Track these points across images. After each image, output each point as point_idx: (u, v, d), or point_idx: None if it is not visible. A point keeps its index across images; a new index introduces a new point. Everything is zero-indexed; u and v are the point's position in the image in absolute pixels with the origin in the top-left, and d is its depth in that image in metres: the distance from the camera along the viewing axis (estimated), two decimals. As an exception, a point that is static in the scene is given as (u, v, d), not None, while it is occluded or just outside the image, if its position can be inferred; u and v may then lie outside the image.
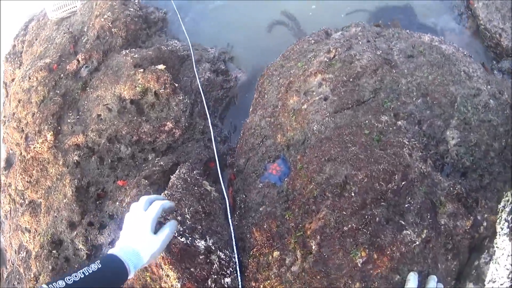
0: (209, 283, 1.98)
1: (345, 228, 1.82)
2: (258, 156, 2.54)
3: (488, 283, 1.72)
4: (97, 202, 2.87)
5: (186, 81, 3.29)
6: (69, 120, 3.28)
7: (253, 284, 2.01)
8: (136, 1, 4.05)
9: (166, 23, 4.26)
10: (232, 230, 2.17)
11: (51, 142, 3.21)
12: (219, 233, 2.19)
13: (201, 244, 2.02)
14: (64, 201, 2.93)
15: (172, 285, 1.91)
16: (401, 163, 2.00)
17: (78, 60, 3.53)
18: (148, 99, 3.08)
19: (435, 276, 1.74)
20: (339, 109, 2.28)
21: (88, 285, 1.30)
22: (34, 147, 3.28)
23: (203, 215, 2.18)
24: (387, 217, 1.85)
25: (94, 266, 1.36)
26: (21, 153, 3.42)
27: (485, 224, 1.94)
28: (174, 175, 2.40)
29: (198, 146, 2.95)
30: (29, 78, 3.72)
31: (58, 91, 3.50)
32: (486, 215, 1.93)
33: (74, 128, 3.20)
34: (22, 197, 3.59)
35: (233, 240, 2.14)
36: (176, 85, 3.06)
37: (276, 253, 1.96)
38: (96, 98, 3.28)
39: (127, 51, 3.39)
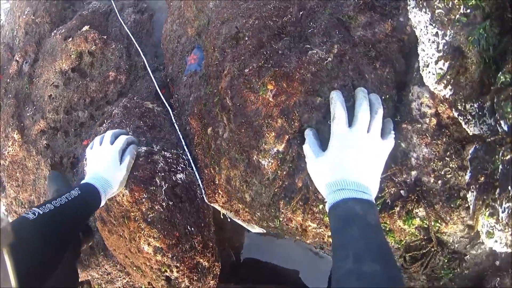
0: (158, 181, 2.02)
1: (247, 70, 1.77)
2: (178, 55, 2.61)
3: (423, 70, 1.50)
4: (74, 170, 2.90)
5: (115, 31, 3.30)
6: (28, 114, 3.32)
7: (206, 171, 2.06)
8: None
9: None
10: (177, 130, 2.22)
11: (20, 140, 3.26)
12: (167, 139, 2.23)
13: (141, 150, 2.06)
14: (45, 182, 2.97)
15: (123, 194, 1.93)
16: None
17: (16, 60, 3.55)
18: (86, 61, 3.09)
19: (363, 88, 1.54)
20: None
21: (71, 209, 1.43)
22: (8, 152, 3.31)
23: (145, 128, 2.25)
24: (290, 48, 1.79)
25: (75, 193, 1.49)
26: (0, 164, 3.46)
27: (409, 23, 1.72)
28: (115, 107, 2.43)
29: (145, 81, 2.96)
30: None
31: (10, 95, 3.54)
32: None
33: (34, 118, 3.25)
34: (23, 206, 3.64)
35: (179, 133, 2.18)
36: (105, 37, 3.05)
37: (209, 130, 2.00)
38: (43, 83, 3.31)
39: (55, 31, 3.38)
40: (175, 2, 2.84)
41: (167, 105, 2.39)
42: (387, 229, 1.60)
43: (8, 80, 3.64)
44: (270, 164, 1.69)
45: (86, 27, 3.14)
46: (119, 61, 3.02)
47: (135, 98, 2.52)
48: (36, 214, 1.24)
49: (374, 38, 1.74)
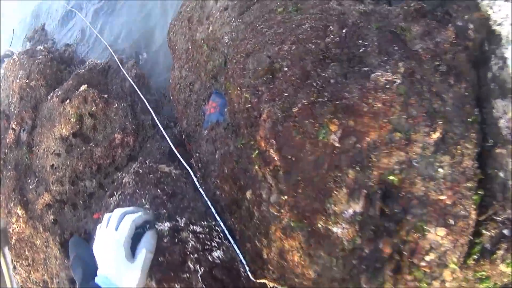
0: (191, 265, 1.64)
1: (295, 110, 1.45)
2: (193, 106, 2.30)
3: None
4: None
5: (117, 88, 3.05)
6: (30, 187, 3.04)
7: (249, 245, 1.68)
8: (41, 47, 3.80)
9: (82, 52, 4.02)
10: (204, 195, 1.88)
11: (24, 215, 2.98)
12: (193, 208, 1.88)
13: (164, 227, 1.70)
14: (57, 262, 2.69)
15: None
16: (331, 14, 1.69)
17: (13, 129, 3.29)
18: (87, 124, 2.82)
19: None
20: (243, 9, 2.03)
21: None
22: (13, 229, 3.03)
23: (164, 197, 1.90)
24: (343, 73, 1.48)
25: None
26: (5, 243, 3.19)
27: (471, 25, 1.49)
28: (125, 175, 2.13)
29: (156, 140, 2.69)
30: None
31: (9, 166, 3.26)
32: (467, 16, 1.51)
33: (38, 191, 2.96)
34: (38, 284, 3.33)
35: (206, 199, 1.84)
36: (105, 96, 2.79)
37: (248, 194, 1.64)
38: (44, 152, 3.04)
39: (51, 94, 3.13)
40: (180, 45, 2.54)
41: (186, 166, 2.07)
42: (484, 277, 1.30)
43: (6, 150, 3.37)
44: (345, 231, 1.32)
45: (83, 87, 2.89)
46: (124, 121, 2.75)
47: (147, 162, 2.22)
48: None
49: (438, 49, 1.46)
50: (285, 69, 1.59)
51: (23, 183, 3.12)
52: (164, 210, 1.81)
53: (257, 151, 1.59)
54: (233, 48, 1.97)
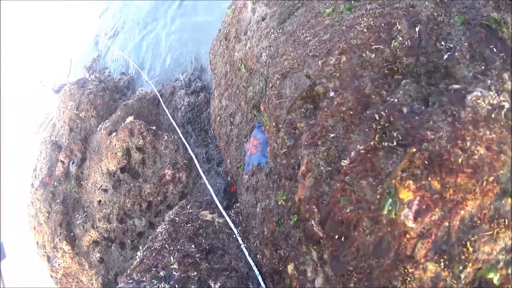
0: None
1: (346, 163, 1.02)
2: (234, 144, 1.96)
3: None
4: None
5: (168, 119, 2.79)
6: (78, 222, 2.87)
7: None
8: (93, 76, 3.65)
9: (137, 80, 3.84)
10: (247, 256, 1.55)
11: (70, 251, 2.80)
12: (233, 269, 1.55)
13: None
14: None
15: None
16: (397, 7, 1.22)
17: (61, 161, 3.12)
18: (135, 158, 2.59)
19: None
20: (285, 16, 1.66)
21: None
22: (59, 264, 2.85)
23: (199, 255, 1.58)
24: (423, 96, 1.03)
25: None
26: (51, 276, 3.01)
27: None
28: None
29: (210, 176, 2.40)
30: (32, 203, 3.37)
31: (58, 200, 3.10)
32: None
33: (85, 227, 2.76)
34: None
35: (250, 261, 1.52)
36: (154, 128, 2.55)
37: (290, 268, 1.25)
38: (92, 186, 2.84)
39: (100, 126, 2.94)
40: (219, 68, 2.18)
41: (227, 218, 1.76)
42: None
43: (55, 183, 3.22)
44: None
45: (129, 118, 2.67)
46: (175, 156, 2.50)
47: (188, 207, 1.94)
48: None
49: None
50: (331, 93, 1.14)
51: (71, 217, 2.95)
52: (195, 272, 1.48)
53: (296, 217, 1.18)
54: (272, 67, 1.58)
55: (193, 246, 1.51)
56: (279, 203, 1.34)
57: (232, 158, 1.85)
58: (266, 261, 1.40)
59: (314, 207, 1.07)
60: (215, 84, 2.16)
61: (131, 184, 2.58)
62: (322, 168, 1.08)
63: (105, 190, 2.68)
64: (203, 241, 1.55)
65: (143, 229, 2.51)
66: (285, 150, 1.26)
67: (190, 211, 1.81)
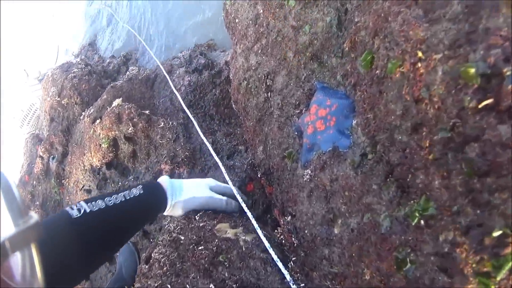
0: None
1: None
2: (275, 120, 1.30)
3: None
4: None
5: (165, 102, 2.23)
6: (57, 231, 2.24)
7: None
8: (78, 59, 3.07)
9: (130, 64, 3.26)
10: None
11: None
12: None
13: None
14: None
15: None
16: None
17: (40, 157, 2.55)
18: (124, 150, 2.01)
19: None
20: None
21: (127, 212, 1.13)
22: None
23: None
24: None
25: (136, 192, 1.18)
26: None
27: None
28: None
29: (219, 172, 1.82)
30: (10, 207, 2.77)
31: (37, 202, 2.54)
32: None
33: (65, 237, 2.15)
34: None
35: None
36: (147, 112, 1.97)
37: None
38: (73, 186, 2.27)
39: (83, 113, 2.36)
40: (243, 15, 1.53)
41: (266, 243, 1.13)
42: None
43: (34, 182, 2.65)
44: None
45: (117, 101, 2.09)
46: (173, 147, 1.92)
47: (197, 217, 1.33)
48: (81, 211, 1.01)
49: None
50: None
51: (50, 225, 2.37)
52: None
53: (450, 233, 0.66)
54: None
55: (211, 285, 0.93)
56: (406, 221, 0.77)
57: (268, 144, 1.28)
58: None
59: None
60: (237, 38, 1.54)
61: (120, 183, 2.02)
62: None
63: (88, 191, 2.12)
64: (226, 274, 0.98)
65: (136, 239, 1.94)
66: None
67: (200, 224, 1.23)
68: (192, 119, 1.85)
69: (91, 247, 1.03)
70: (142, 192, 1.19)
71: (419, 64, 0.75)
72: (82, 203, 1.04)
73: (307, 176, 1.06)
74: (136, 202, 1.16)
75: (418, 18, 0.76)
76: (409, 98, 0.77)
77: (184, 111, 2.15)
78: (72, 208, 1.01)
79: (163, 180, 1.33)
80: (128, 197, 1.14)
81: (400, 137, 0.79)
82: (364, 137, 0.89)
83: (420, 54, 0.75)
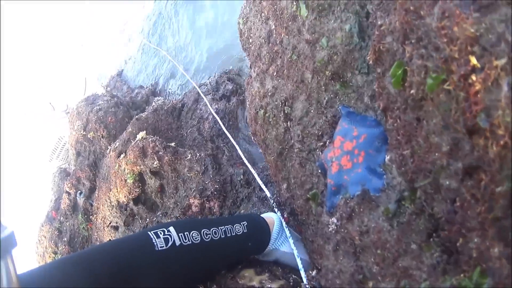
0: None
1: None
2: (295, 156, 1.13)
3: None
4: None
5: (193, 132, 2.12)
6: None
7: None
8: (104, 91, 3.03)
9: (158, 94, 3.20)
10: None
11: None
12: None
13: None
14: None
15: None
16: None
17: (67, 192, 2.48)
18: (151, 185, 1.91)
19: None
20: None
21: (224, 250, 1.01)
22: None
23: None
24: None
25: (239, 229, 1.05)
26: None
27: None
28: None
29: (253, 204, 1.69)
30: (39, 241, 2.76)
31: (65, 238, 2.46)
32: None
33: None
34: None
35: None
36: (172, 144, 1.88)
37: None
38: (101, 222, 2.18)
39: (109, 147, 2.29)
40: (256, 31, 1.35)
41: None
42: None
43: (61, 218, 2.59)
44: None
45: (141, 134, 2.01)
46: (202, 180, 1.81)
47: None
48: (169, 243, 0.88)
49: None
50: None
51: (78, 263, 2.29)
52: None
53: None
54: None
55: None
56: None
57: (291, 182, 1.11)
58: None
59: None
60: (251, 60, 1.38)
61: (147, 219, 1.92)
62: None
63: (115, 228, 2.03)
64: None
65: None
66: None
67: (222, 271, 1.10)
68: (233, 141, 1.75)
69: (171, 282, 0.91)
70: (246, 231, 1.07)
71: (473, 77, 0.56)
72: (172, 230, 0.91)
73: (333, 226, 0.90)
74: (236, 243, 1.04)
75: (463, 7, 0.56)
76: (460, 129, 0.59)
77: (213, 141, 2.05)
78: (157, 236, 0.88)
79: (271, 221, 1.19)
80: (229, 235, 1.02)
81: (447, 183, 0.62)
82: (401, 178, 0.73)
83: (473, 60, 0.55)
